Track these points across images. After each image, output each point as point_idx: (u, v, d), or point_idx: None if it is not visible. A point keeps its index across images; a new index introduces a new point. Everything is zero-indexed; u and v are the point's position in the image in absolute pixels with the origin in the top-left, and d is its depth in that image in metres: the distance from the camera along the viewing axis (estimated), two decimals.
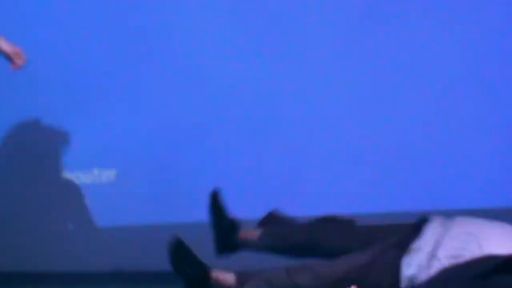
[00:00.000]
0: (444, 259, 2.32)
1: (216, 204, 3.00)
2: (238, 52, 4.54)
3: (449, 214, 2.65)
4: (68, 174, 4.68)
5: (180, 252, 2.77)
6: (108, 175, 4.61)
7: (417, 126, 4.16)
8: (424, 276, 2.32)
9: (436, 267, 2.30)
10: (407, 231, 2.55)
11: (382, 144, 4.26)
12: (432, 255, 2.37)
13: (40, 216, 4.61)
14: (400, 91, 4.27)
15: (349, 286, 2.39)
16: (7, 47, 3.49)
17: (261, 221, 3.01)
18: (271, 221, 2.98)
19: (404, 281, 2.41)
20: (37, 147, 4.74)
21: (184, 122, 4.47)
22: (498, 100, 4.14)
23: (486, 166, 4.05)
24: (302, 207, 4.03)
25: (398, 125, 4.21)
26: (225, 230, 2.95)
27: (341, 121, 4.31)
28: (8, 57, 3.48)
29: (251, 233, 2.91)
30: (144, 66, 4.63)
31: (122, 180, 4.56)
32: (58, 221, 4.63)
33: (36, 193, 4.65)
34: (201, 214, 4.10)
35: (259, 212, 4.02)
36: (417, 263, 2.39)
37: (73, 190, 4.69)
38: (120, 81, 4.77)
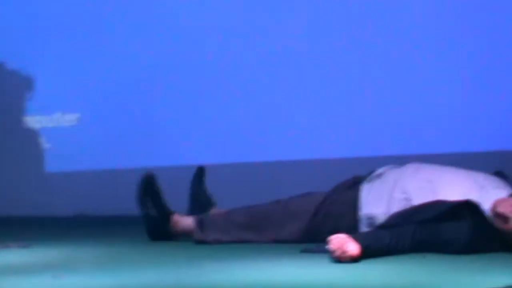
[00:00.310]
0: (401, 200, 2.44)
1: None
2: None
3: (414, 158, 2.75)
4: (30, 118, 4.66)
5: (150, 187, 2.81)
6: (70, 119, 4.60)
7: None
8: (381, 216, 2.45)
9: (392, 208, 2.42)
10: (363, 176, 2.66)
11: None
12: (391, 197, 2.47)
13: (0, 160, 4.62)
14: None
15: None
16: None
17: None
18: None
19: (363, 223, 2.53)
20: None
21: (146, 67, 4.45)
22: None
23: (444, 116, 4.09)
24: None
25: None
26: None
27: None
28: None
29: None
30: (109, 10, 4.59)
31: (84, 124, 4.55)
32: (19, 165, 4.64)
33: None
34: (163, 159, 4.17)
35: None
36: (376, 203, 2.51)
37: (34, 134, 4.70)
38: (84, 25, 4.72)
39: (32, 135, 4.67)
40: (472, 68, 4.01)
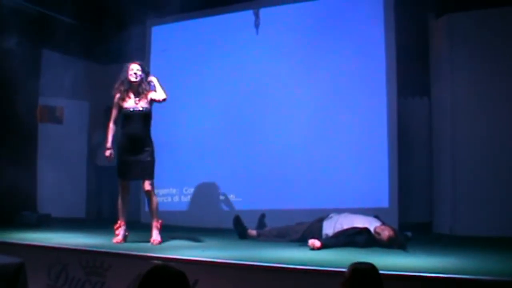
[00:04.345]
0: (339, 227, 5.52)
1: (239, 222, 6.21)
2: None
3: (340, 210, 5.89)
4: None
5: (238, 220, 6.08)
6: None
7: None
8: (331, 234, 5.56)
9: (335, 230, 5.54)
10: (324, 216, 5.83)
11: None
12: (335, 226, 5.58)
13: None
14: None
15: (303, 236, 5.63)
16: None
17: (256, 226, 6.29)
18: (261, 225, 6.27)
19: (323, 236, 5.60)
20: None
21: None
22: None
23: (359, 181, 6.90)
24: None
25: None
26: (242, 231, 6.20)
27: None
28: None
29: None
30: None
31: None
32: None
33: None
34: None
35: None
36: (329, 228, 5.60)
37: None
38: None
39: None
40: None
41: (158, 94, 5.64)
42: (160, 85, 5.71)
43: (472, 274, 3.67)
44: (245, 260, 4.34)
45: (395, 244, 5.19)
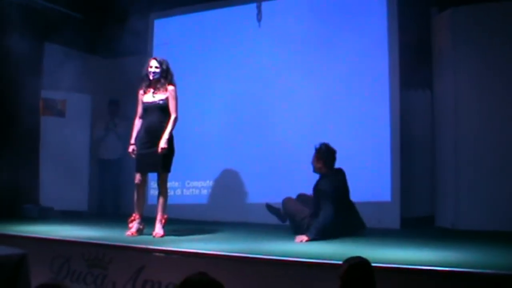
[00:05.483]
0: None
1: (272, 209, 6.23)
2: None
3: None
4: None
5: (271, 208, 6.09)
6: None
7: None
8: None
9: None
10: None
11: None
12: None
13: None
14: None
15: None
16: None
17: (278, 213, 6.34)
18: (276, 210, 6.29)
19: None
20: None
21: None
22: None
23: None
24: None
25: None
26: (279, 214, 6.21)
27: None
28: None
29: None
30: None
31: None
32: None
33: None
34: None
35: None
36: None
37: None
38: None
39: None
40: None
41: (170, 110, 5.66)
42: (176, 98, 5.67)
43: (474, 268, 3.68)
44: (248, 253, 4.38)
45: (323, 156, 5.69)
